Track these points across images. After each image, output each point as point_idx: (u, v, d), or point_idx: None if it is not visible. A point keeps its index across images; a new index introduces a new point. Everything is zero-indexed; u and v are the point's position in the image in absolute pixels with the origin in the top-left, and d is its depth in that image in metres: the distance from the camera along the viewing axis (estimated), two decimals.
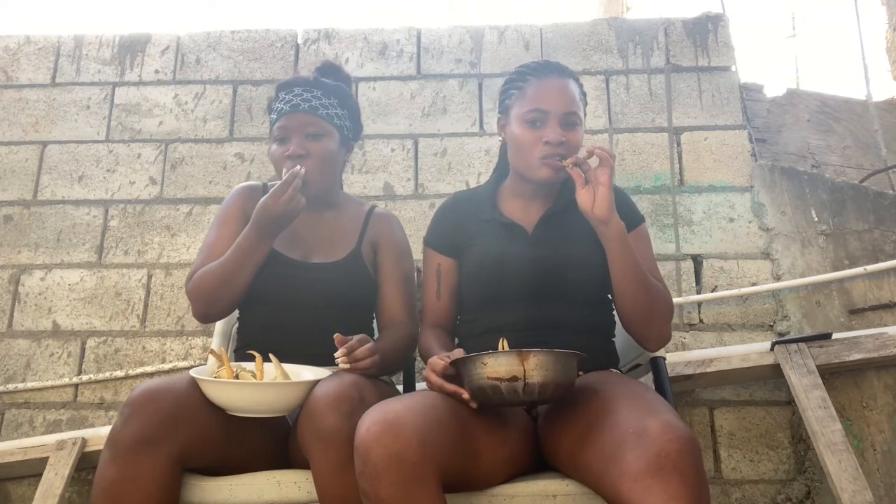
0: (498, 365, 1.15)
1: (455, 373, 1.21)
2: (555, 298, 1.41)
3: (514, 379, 1.14)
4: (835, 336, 1.94)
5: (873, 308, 2.07)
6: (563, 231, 1.47)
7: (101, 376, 2.20)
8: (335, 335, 1.32)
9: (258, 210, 1.44)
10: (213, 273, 1.48)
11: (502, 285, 1.43)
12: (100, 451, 1.77)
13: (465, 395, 1.17)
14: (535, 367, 1.14)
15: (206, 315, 1.54)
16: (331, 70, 1.68)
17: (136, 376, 2.19)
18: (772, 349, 1.94)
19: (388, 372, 1.57)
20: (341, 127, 1.60)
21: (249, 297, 1.56)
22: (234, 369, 1.33)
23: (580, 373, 1.38)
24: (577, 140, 1.42)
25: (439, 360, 1.23)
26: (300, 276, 1.54)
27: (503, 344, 1.28)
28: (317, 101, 1.56)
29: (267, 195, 1.43)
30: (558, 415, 1.26)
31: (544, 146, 1.39)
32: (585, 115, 1.49)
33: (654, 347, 1.45)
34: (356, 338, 1.34)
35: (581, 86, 1.49)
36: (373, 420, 1.07)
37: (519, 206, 1.52)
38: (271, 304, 1.55)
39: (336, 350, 1.34)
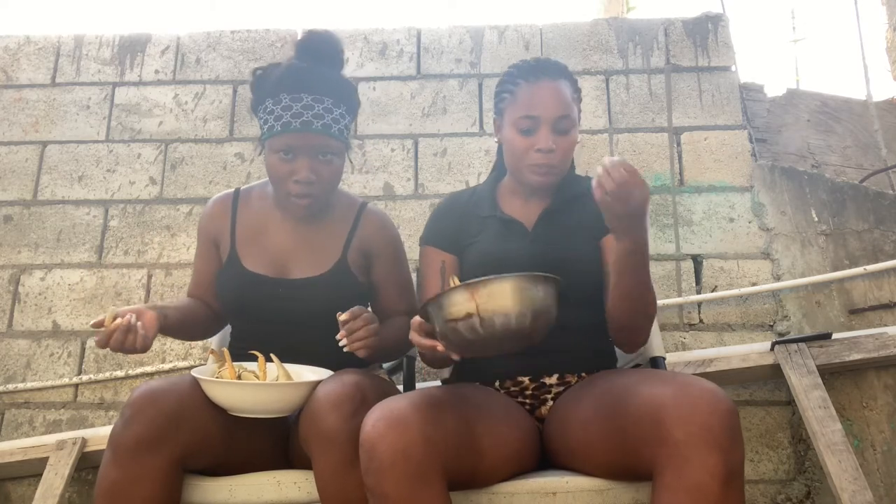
0: (451, 305, 1.05)
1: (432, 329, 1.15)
2: None
3: (469, 316, 1.04)
4: (835, 336, 1.94)
5: (873, 308, 2.07)
6: (562, 229, 1.46)
7: (101, 376, 2.20)
8: (338, 314, 1.27)
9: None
10: None
11: None
12: (99, 451, 1.77)
13: (440, 347, 1.12)
14: (487, 299, 1.03)
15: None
16: (319, 43, 1.47)
17: (136, 376, 2.19)
18: (772, 349, 1.94)
19: (387, 357, 1.53)
20: (348, 139, 1.48)
21: (230, 313, 1.54)
22: (237, 369, 1.33)
23: (583, 375, 1.38)
24: (570, 144, 1.42)
25: (417, 317, 1.19)
26: (276, 296, 1.45)
27: (453, 281, 1.19)
28: (328, 115, 1.40)
29: (98, 336, 1.25)
30: (577, 400, 1.26)
31: (535, 154, 1.39)
32: (580, 111, 1.48)
33: (631, 351, 1.43)
34: (361, 317, 1.27)
35: (574, 81, 1.47)
36: (378, 416, 1.08)
37: (518, 203, 1.51)
38: (252, 322, 1.49)
39: (325, 366, 1.36)
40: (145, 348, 1.27)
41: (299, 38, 1.48)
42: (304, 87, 1.39)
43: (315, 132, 1.38)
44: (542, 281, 1.08)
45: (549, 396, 1.37)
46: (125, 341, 1.24)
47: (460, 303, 1.04)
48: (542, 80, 1.41)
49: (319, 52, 1.46)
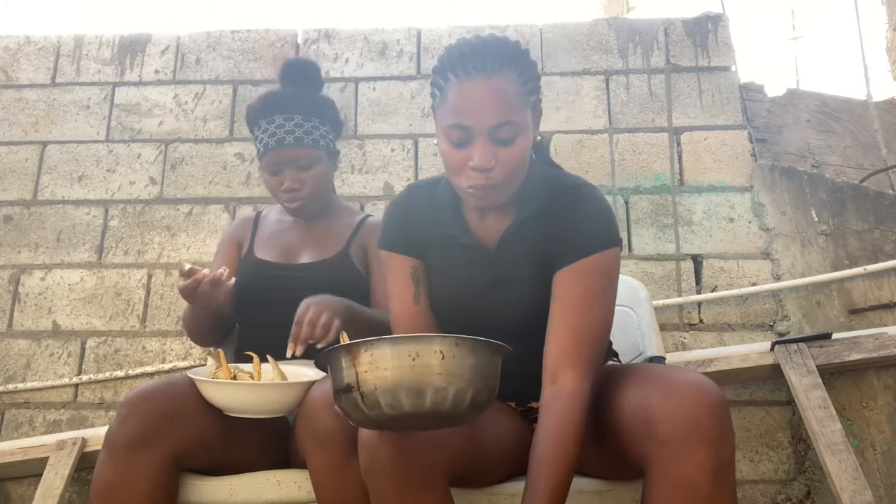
0: (333, 370, 0.84)
1: None
2: (527, 334, 1.21)
3: (349, 389, 0.81)
4: (835, 336, 1.94)
5: (873, 308, 2.07)
6: (526, 253, 1.23)
7: (101, 376, 2.20)
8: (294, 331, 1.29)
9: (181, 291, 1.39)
10: (184, 317, 1.58)
11: (468, 329, 1.06)
12: (99, 451, 1.77)
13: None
14: (368, 367, 0.79)
15: (199, 344, 1.67)
16: (296, 70, 1.65)
17: (136, 376, 2.19)
18: (772, 349, 1.94)
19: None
20: (327, 145, 1.62)
21: (240, 301, 1.57)
22: (232, 370, 1.34)
23: None
24: (515, 155, 1.13)
25: None
26: (284, 276, 1.57)
27: (343, 337, 1.01)
28: (300, 129, 1.56)
29: (183, 284, 1.35)
30: None
31: (471, 172, 1.13)
32: (539, 102, 1.20)
33: None
34: (309, 315, 1.28)
35: (528, 67, 1.16)
36: None
37: (477, 215, 1.28)
38: (262, 306, 1.55)
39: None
40: (226, 300, 1.42)
41: (279, 68, 1.67)
42: (276, 109, 1.57)
43: (288, 146, 1.55)
44: (465, 348, 0.81)
45: (537, 416, 1.34)
46: (210, 292, 1.35)
47: (343, 368, 0.82)
48: (475, 76, 1.11)
49: (296, 75, 1.64)
